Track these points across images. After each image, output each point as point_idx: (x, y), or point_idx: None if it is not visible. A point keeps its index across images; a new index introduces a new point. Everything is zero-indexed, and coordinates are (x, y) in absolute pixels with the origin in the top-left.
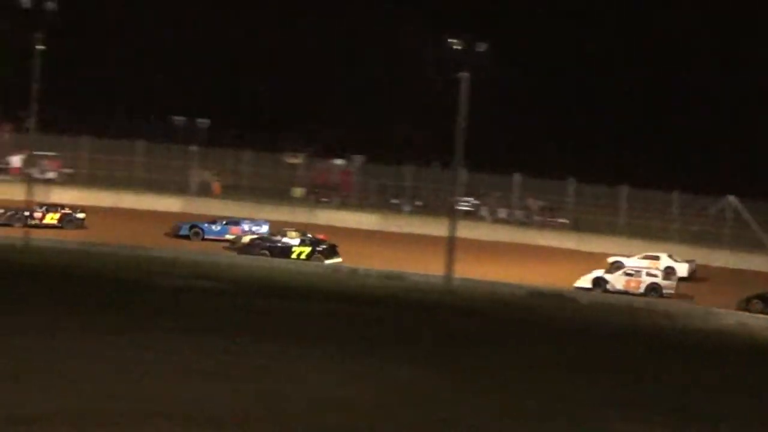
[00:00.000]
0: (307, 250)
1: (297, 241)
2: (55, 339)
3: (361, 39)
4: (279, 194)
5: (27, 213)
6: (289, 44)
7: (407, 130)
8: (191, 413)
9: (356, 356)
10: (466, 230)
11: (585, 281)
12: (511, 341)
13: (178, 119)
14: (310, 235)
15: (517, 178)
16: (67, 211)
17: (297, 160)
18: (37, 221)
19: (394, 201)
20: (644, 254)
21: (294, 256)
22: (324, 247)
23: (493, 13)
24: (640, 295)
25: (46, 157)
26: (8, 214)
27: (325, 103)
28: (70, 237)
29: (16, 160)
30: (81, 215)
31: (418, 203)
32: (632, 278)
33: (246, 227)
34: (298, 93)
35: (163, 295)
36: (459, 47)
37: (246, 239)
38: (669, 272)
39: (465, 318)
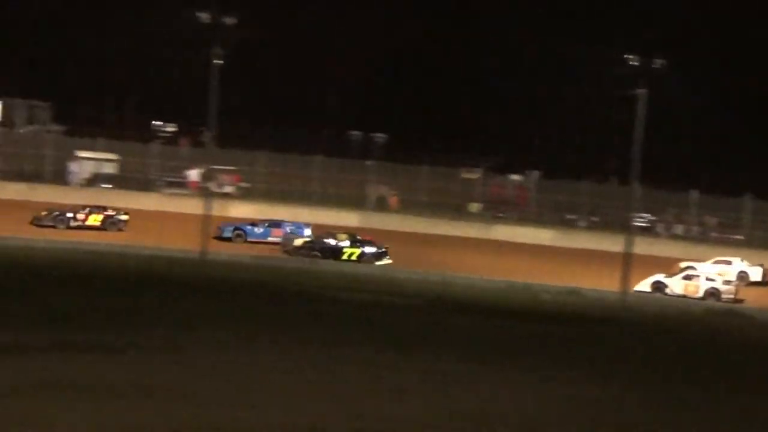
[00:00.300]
0: (357, 251)
1: (347, 243)
2: (251, 354)
3: (538, 55)
4: (455, 209)
5: (70, 215)
6: (466, 60)
7: (584, 146)
8: (381, 429)
9: (538, 373)
10: (642, 246)
11: (644, 285)
12: (684, 358)
13: (356, 134)
14: (359, 238)
15: (693, 194)
16: (110, 213)
17: (474, 175)
18: (80, 223)
19: (569, 216)
20: (716, 258)
21: (345, 257)
22: (374, 248)
23: (669, 29)
24: (699, 299)
25: (224, 171)
26: (52, 215)
27: (502, 119)
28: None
29: (193, 174)
30: (124, 217)
31: (593, 219)
32: (691, 282)
33: (288, 229)
34: (475, 108)
35: (347, 310)
36: (636, 63)
37: (298, 242)
38: (742, 276)
39: (640, 334)
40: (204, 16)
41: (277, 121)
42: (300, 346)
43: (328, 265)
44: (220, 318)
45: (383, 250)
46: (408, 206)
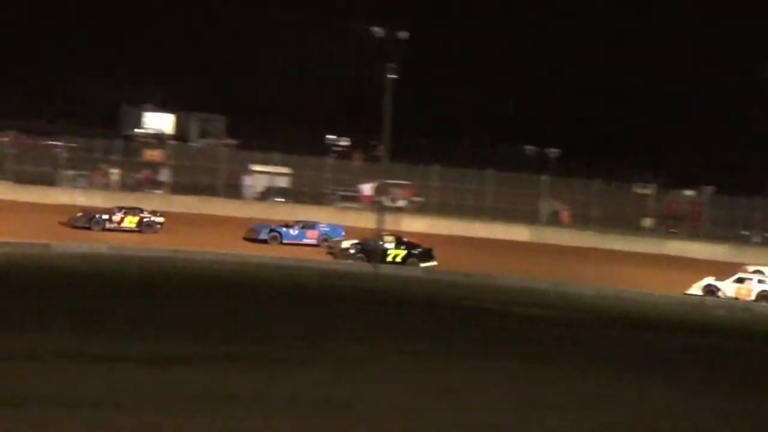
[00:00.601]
0: (403, 253)
1: (392, 245)
2: (395, 366)
3: (713, 70)
4: (628, 224)
5: (105, 216)
6: (640, 75)
7: (759, 161)
8: None
9: (711, 389)
10: None
11: (696, 289)
12: None
13: (529, 148)
14: (405, 240)
15: None
16: (145, 215)
17: (646, 190)
18: (115, 225)
19: (743, 232)
20: None
21: (389, 259)
22: (419, 250)
23: None
24: (752, 302)
25: (397, 185)
26: (86, 217)
27: (674, 134)
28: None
29: (367, 189)
30: (160, 219)
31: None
32: (743, 286)
33: (323, 230)
34: (648, 123)
35: (509, 324)
36: None
37: (346, 244)
38: None
39: None
40: (378, 31)
41: (451, 135)
42: (463, 360)
43: (502, 279)
44: (396, 332)
45: (428, 252)
46: (580, 221)
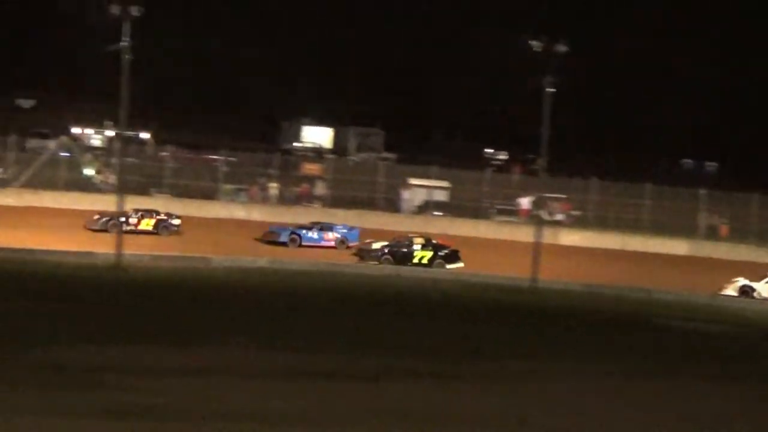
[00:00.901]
0: (429, 254)
1: (419, 247)
2: (562, 383)
3: None
4: None
5: (123, 219)
6: None
7: None
8: None
9: None
10: None
11: (732, 290)
12: None
13: (687, 162)
14: (434, 241)
15: None
16: (162, 217)
17: None
18: (132, 227)
19: None
20: None
21: (416, 260)
22: (446, 252)
23: None
24: None
25: (555, 199)
26: (103, 220)
27: None
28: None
29: (525, 202)
30: (176, 221)
31: None
32: None
33: (340, 232)
34: None
35: (677, 339)
36: None
37: (376, 245)
38: None
39: None
40: (536, 45)
41: (609, 148)
42: (620, 377)
43: (662, 294)
44: (569, 349)
45: (455, 253)
46: (738, 235)
